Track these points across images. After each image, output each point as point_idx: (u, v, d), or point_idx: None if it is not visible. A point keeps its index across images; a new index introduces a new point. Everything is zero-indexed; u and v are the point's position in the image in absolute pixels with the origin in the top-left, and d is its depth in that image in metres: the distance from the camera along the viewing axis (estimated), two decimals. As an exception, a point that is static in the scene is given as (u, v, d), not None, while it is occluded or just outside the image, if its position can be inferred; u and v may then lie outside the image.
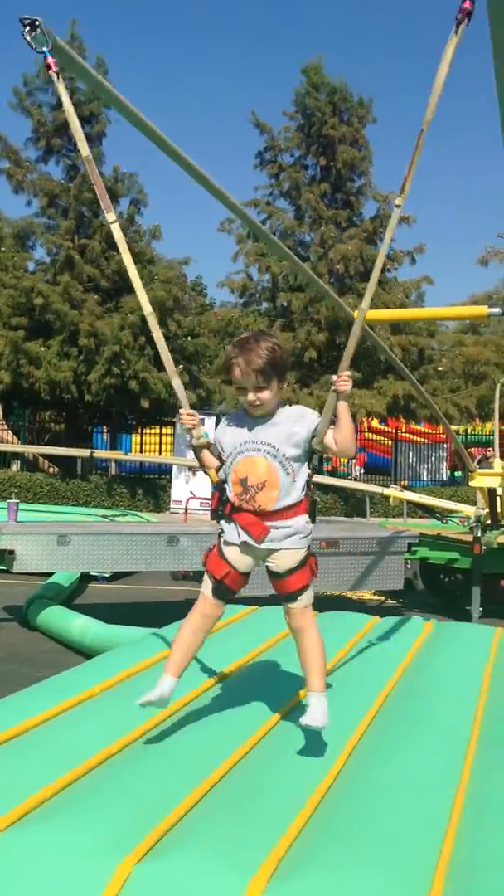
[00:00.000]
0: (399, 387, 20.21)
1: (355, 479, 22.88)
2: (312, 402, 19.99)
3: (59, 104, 19.94)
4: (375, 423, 25.86)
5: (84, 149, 3.48)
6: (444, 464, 26.05)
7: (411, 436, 25.42)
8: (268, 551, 2.94)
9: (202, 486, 18.80)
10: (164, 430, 23.69)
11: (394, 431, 24.76)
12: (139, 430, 24.72)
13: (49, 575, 8.73)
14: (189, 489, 17.54)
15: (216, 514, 3.03)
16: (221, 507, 3.00)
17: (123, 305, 19.42)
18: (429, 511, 10.24)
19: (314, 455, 3.00)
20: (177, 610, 6.14)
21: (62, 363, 18.77)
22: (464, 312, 12.66)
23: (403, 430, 24.89)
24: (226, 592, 3.00)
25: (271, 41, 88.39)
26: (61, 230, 19.95)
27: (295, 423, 2.95)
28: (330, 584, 8.17)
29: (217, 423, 19.48)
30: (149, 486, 20.22)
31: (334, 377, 3.03)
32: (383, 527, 9.52)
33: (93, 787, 2.52)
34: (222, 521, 3.00)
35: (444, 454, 25.78)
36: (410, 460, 25.07)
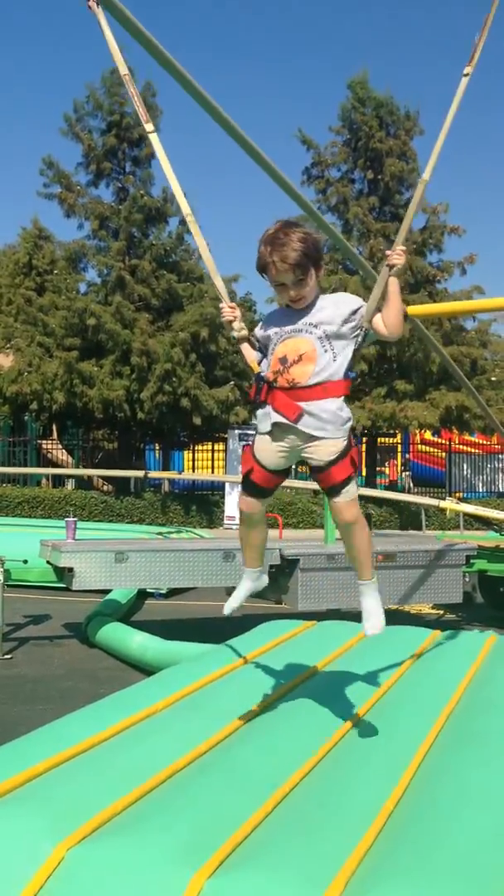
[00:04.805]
0: (452, 398, 20.00)
1: (409, 492, 22.70)
2: (364, 415, 19.92)
3: (109, 128, 20.38)
4: (428, 435, 25.65)
5: (122, 67, 3.49)
6: (500, 475, 25.69)
7: (465, 447, 25.14)
8: (304, 438, 2.84)
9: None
10: (216, 447, 23.79)
11: (447, 443, 24.52)
12: (191, 447, 24.87)
13: (107, 592, 8.81)
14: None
15: (254, 404, 2.97)
16: (258, 395, 2.91)
17: (174, 323, 19.61)
18: (486, 523, 10.11)
19: (359, 336, 2.92)
20: (233, 626, 6.16)
21: (115, 382, 18.99)
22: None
23: (457, 442, 24.63)
24: (254, 489, 2.98)
25: (315, 57, 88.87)
26: (112, 251, 20.24)
27: (338, 305, 2.91)
28: (387, 598, 8.10)
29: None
30: (202, 503, 20.31)
31: (388, 251, 2.98)
32: (440, 539, 9.41)
33: (162, 802, 2.54)
34: (258, 412, 2.94)
35: (500, 465, 25.43)
36: (465, 472, 24.78)
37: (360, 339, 2.92)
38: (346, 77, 23.00)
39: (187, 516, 19.44)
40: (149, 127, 3.44)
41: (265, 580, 3.25)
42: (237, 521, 3.20)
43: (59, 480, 21.23)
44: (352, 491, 2.89)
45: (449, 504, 9.82)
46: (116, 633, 7.13)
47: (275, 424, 2.86)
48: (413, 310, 6.40)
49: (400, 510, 19.92)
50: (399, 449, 26.57)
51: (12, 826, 2.35)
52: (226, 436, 20.21)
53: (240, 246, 49.65)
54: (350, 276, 20.36)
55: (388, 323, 2.91)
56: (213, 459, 24.49)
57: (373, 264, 20.86)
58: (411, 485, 25.56)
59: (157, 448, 24.64)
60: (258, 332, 3.02)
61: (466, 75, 3.43)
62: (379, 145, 21.36)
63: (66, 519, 8.23)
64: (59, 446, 23.03)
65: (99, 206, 20.46)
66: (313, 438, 2.83)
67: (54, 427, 22.81)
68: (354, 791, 2.68)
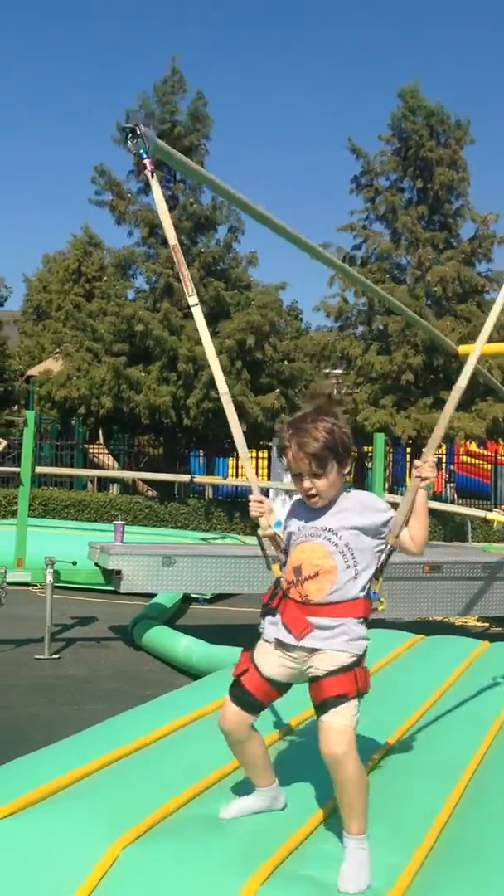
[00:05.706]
0: (499, 409, 19.79)
1: (454, 504, 22.47)
2: (409, 425, 19.80)
3: (160, 137, 20.49)
4: (473, 446, 25.39)
5: (172, 238, 3.48)
6: (547, 488, 25.29)
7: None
8: (307, 653, 2.45)
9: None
10: (260, 455, 23.79)
11: (493, 455, 24.24)
12: (235, 454, 24.93)
13: (151, 595, 8.87)
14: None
15: (264, 610, 2.60)
16: (271, 601, 2.58)
17: (221, 330, 19.69)
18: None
19: (382, 553, 2.59)
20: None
21: (161, 388, 19.12)
22: None
23: (502, 453, 24.33)
24: (243, 698, 2.49)
25: (366, 66, 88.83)
26: (161, 259, 20.39)
27: (365, 512, 2.55)
28: (433, 609, 8.05)
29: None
30: (245, 509, 20.28)
31: (418, 462, 2.67)
32: (487, 551, 9.31)
33: (213, 805, 2.55)
34: (267, 618, 2.57)
35: (547, 478, 25.04)
36: (511, 484, 24.45)
37: (383, 556, 2.59)
38: (398, 86, 22.86)
39: (230, 523, 19.48)
40: (192, 300, 3.34)
41: (282, 801, 2.61)
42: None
43: (104, 484, 21.42)
44: (345, 714, 2.35)
45: (496, 516, 9.73)
46: (163, 637, 7.18)
47: (277, 640, 2.51)
48: (465, 349, 6.40)
49: (444, 521, 19.74)
50: (444, 460, 26.33)
51: (67, 824, 2.38)
52: (270, 444, 20.22)
53: (287, 254, 49.80)
54: (398, 284, 20.28)
55: (415, 537, 2.60)
56: (257, 467, 24.50)
57: (420, 273, 20.83)
58: (455, 496, 25.30)
59: (202, 454, 24.73)
60: (283, 523, 2.74)
61: None
62: (429, 154, 21.25)
63: (115, 522, 8.30)
64: (105, 451, 23.24)
65: (149, 213, 20.61)
66: (316, 651, 2.45)
67: (101, 432, 23.03)
68: (407, 801, 2.66)
